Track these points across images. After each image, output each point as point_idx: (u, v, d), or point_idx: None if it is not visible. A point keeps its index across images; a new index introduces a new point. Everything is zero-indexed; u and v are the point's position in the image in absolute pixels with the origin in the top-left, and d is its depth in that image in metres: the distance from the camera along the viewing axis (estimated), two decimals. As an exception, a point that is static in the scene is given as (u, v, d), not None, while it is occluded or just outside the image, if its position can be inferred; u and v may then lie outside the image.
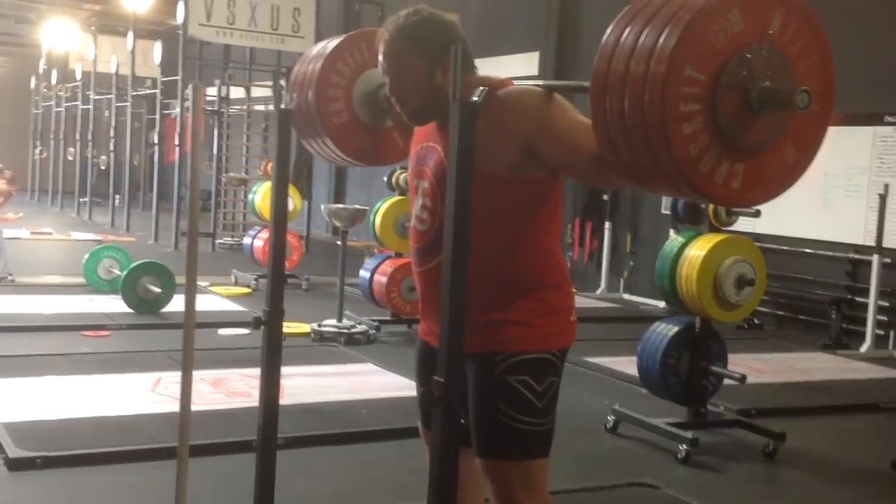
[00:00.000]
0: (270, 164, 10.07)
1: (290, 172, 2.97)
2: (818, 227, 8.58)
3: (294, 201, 9.88)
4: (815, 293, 8.58)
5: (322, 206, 7.94)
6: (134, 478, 3.98)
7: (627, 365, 5.82)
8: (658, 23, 1.81)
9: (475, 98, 2.05)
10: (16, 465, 3.96)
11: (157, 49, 15.18)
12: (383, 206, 7.45)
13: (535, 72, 12.01)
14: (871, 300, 7.78)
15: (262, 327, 2.76)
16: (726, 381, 5.07)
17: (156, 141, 15.49)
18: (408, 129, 2.65)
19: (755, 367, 6.67)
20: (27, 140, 22.92)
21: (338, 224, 7.49)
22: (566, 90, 2.36)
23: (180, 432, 2.66)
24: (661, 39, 1.78)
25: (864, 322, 7.91)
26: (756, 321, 8.78)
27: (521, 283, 2.33)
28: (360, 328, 7.17)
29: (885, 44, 8.26)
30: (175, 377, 3.52)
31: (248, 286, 9.50)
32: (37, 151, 21.90)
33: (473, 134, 2.01)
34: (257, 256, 9.59)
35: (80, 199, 18.71)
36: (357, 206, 7.76)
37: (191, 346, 2.62)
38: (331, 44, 2.81)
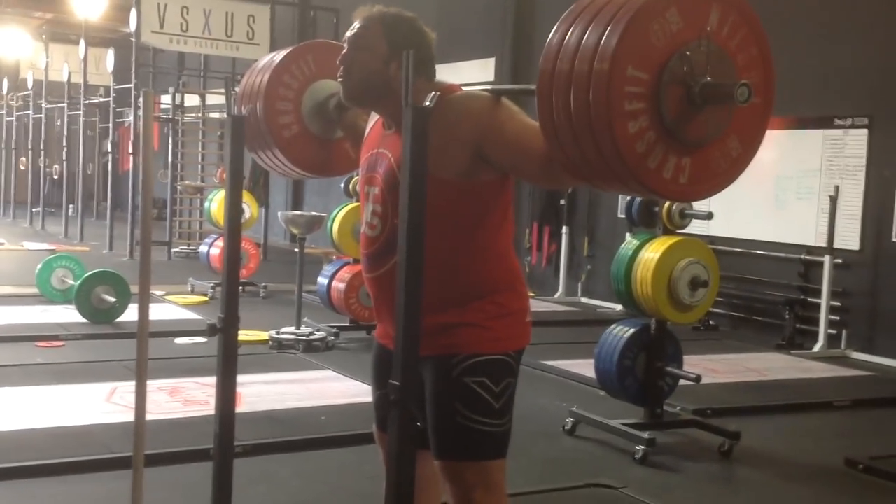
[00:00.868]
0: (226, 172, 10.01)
1: (243, 179, 2.96)
2: (771, 229, 8.70)
3: (251, 209, 9.82)
4: (768, 294, 8.70)
5: (279, 213, 7.91)
6: (90, 488, 3.94)
7: (585, 367, 5.86)
8: (599, 23, 1.84)
9: (427, 103, 2.05)
10: (-32, 477, 3.91)
11: (110, 57, 15.04)
12: (341, 213, 7.44)
13: (491, 78, 12.06)
14: (824, 300, 7.90)
15: (218, 334, 2.75)
16: (682, 382, 5.12)
17: (109, 150, 15.34)
18: (358, 139, 2.67)
19: (710, 367, 6.75)
20: (-22, 150, 22.59)
21: (295, 231, 7.47)
22: (514, 93, 2.39)
23: (135, 441, 2.65)
24: (604, 39, 1.81)
25: (816, 322, 8.03)
26: (711, 322, 8.88)
27: (475, 286, 2.35)
28: (318, 335, 7.15)
29: (834, 47, 8.40)
30: (130, 387, 3.49)
31: (205, 295, 9.43)
32: (-12, 161, 21.57)
33: (426, 138, 2.02)
34: (214, 265, 9.52)
35: (33, 209, 18.46)
36: (314, 213, 7.75)
37: (145, 355, 2.61)
38: (277, 56, 2.82)
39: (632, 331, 4.93)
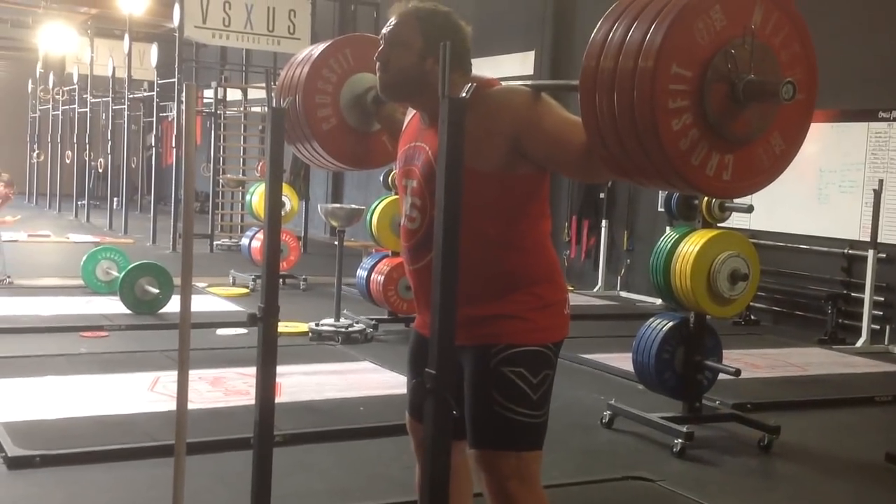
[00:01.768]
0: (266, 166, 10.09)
1: (283, 172, 3.00)
2: (814, 223, 8.61)
3: (291, 202, 9.91)
4: (810, 289, 8.62)
5: (319, 206, 7.97)
6: (132, 475, 4.01)
7: (623, 361, 5.85)
8: (644, 20, 1.84)
9: (463, 94, 2.07)
10: (15, 463, 3.99)
11: (154, 52, 15.20)
12: (380, 206, 7.47)
13: (530, 71, 12.04)
14: (867, 295, 7.80)
15: (258, 324, 2.79)
16: (722, 376, 5.10)
17: (153, 143, 15.50)
18: (395, 132, 2.70)
19: (751, 362, 6.70)
20: (25, 144, 22.93)
21: (335, 224, 7.52)
22: (555, 89, 2.39)
23: (177, 430, 2.69)
24: (648, 36, 1.81)
25: (859, 317, 7.95)
26: (752, 317, 8.81)
27: (513, 278, 2.36)
28: (357, 327, 7.20)
29: (879, 40, 8.30)
30: (173, 376, 3.55)
31: (246, 287, 9.52)
32: (34, 155, 21.90)
33: (462, 130, 2.04)
34: (255, 257, 9.61)
35: (78, 202, 18.73)
36: (354, 206, 7.79)
37: (187, 345, 2.65)
38: (316, 49, 2.85)
39: (670, 324, 4.92)
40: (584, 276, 11.01)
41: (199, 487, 3.69)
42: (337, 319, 7.23)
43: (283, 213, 2.84)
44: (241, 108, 15.06)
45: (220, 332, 7.17)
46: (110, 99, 17.37)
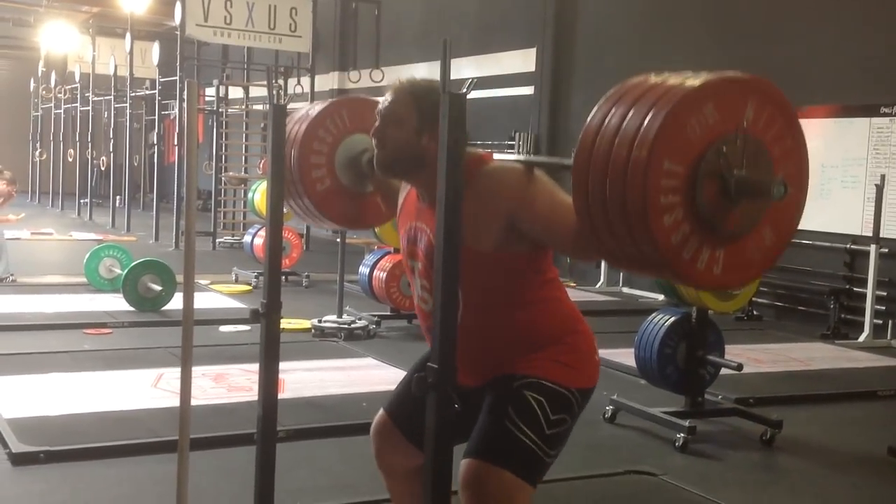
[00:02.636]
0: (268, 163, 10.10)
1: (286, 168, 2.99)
2: (816, 219, 8.58)
3: (293, 199, 9.90)
4: (813, 284, 8.62)
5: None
6: (136, 471, 4.03)
7: (626, 357, 5.85)
8: (642, 107, 1.83)
9: (464, 90, 2.08)
10: (20, 459, 4.01)
11: (155, 50, 15.21)
12: (382, 203, 7.48)
13: (532, 68, 12.05)
14: (869, 290, 7.81)
15: (261, 320, 2.80)
16: (724, 371, 5.11)
17: (155, 141, 15.55)
18: (390, 193, 2.73)
19: (753, 357, 6.71)
20: (27, 142, 22.96)
21: (337, 221, 7.52)
22: (548, 167, 2.37)
23: (181, 425, 2.70)
24: (645, 123, 1.80)
25: (862, 312, 7.95)
26: (755, 312, 8.82)
27: (534, 337, 2.38)
28: (360, 323, 7.21)
29: (881, 35, 8.29)
30: (176, 373, 3.58)
31: (249, 284, 9.54)
32: (37, 153, 21.93)
33: (464, 126, 2.05)
34: (257, 254, 9.62)
35: (81, 200, 18.75)
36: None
37: (190, 342, 2.66)
38: (313, 110, 2.86)
39: (672, 319, 4.92)
40: (586, 272, 11.02)
41: (203, 483, 3.70)
42: (339, 316, 7.25)
43: (285, 210, 2.84)
44: (243, 106, 15.08)
45: (223, 328, 7.19)
46: (112, 97, 17.38)
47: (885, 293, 7.98)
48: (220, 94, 14.43)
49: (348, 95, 3.01)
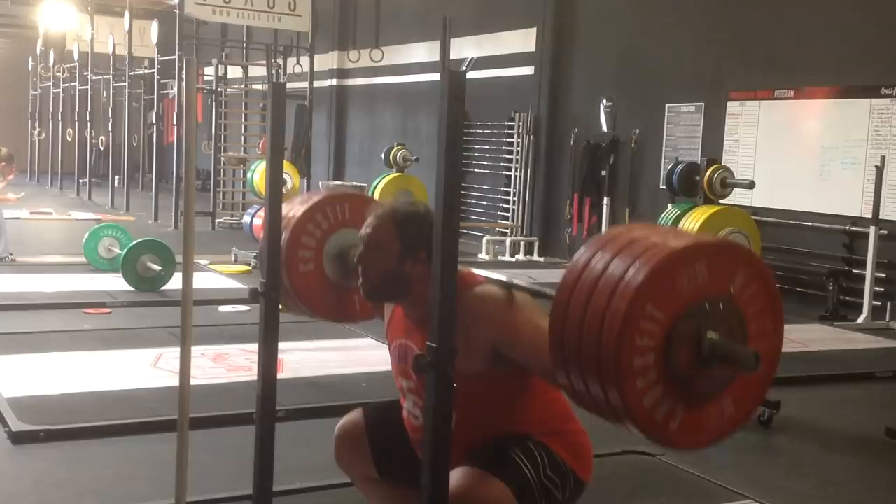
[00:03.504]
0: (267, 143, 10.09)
1: (284, 148, 2.99)
2: (815, 200, 8.61)
3: (292, 179, 9.89)
4: (812, 265, 8.62)
5: (320, 183, 7.98)
6: (136, 450, 4.04)
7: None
8: (627, 257, 1.83)
9: (463, 68, 2.07)
10: (19, 438, 4.03)
11: (154, 29, 15.15)
12: (381, 183, 7.49)
13: (532, 48, 12.00)
14: (868, 272, 7.81)
15: (260, 300, 2.80)
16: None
17: (154, 121, 15.51)
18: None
19: (752, 338, 6.71)
20: (26, 121, 22.90)
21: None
22: (533, 295, 2.37)
23: (180, 405, 2.71)
24: (629, 274, 1.80)
25: (861, 293, 7.96)
26: (754, 294, 8.81)
27: (536, 432, 2.43)
28: (359, 304, 7.20)
29: (881, 16, 8.26)
30: (175, 352, 3.58)
31: (248, 264, 9.53)
32: (35, 133, 21.88)
33: (462, 104, 2.04)
34: (256, 234, 9.58)
35: (80, 180, 18.73)
36: (355, 183, 7.80)
37: (189, 322, 2.66)
38: (315, 196, 2.90)
39: (671, 300, 4.92)
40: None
41: (202, 462, 3.71)
42: (339, 296, 7.24)
43: (284, 190, 2.85)
44: (242, 86, 15.04)
45: (223, 308, 7.19)
46: (111, 76, 17.33)
47: (884, 275, 7.99)
48: (220, 74, 14.39)
49: (352, 192, 3.02)
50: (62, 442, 4.05)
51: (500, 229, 12.27)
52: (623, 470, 4.15)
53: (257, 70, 14.92)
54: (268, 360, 2.81)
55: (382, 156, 7.93)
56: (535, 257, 11.49)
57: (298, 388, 4.93)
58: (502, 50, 12.48)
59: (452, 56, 10.38)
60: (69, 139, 19.60)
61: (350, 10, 15.20)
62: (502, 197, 12.58)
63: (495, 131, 12.61)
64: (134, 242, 7.89)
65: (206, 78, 15.27)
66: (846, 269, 8.38)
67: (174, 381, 3.09)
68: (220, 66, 14.39)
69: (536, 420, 2.44)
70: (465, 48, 12.15)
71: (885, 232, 7.87)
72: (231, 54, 15.97)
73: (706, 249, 1.87)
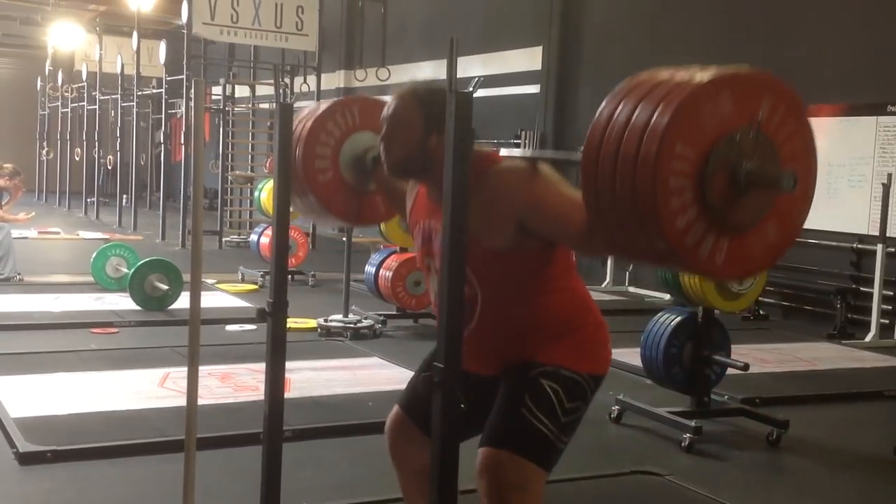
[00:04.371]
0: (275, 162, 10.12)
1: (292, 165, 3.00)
2: (822, 218, 8.57)
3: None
4: (819, 283, 8.60)
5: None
6: (143, 470, 4.04)
7: (632, 356, 5.84)
8: (651, 101, 1.84)
9: (470, 88, 2.08)
10: (27, 459, 4.02)
11: (162, 49, 15.23)
12: (388, 202, 7.48)
13: (538, 66, 12.04)
14: (876, 290, 7.79)
15: (267, 319, 2.80)
16: (731, 371, 5.09)
17: (162, 140, 15.56)
18: (391, 194, 2.78)
19: (760, 356, 6.70)
20: (34, 141, 22.98)
21: (343, 220, 7.52)
22: (557, 162, 2.40)
23: (187, 425, 2.71)
24: (654, 117, 1.81)
25: (868, 311, 7.93)
26: (761, 312, 8.80)
27: (552, 327, 2.42)
28: (366, 323, 7.21)
29: (887, 34, 8.27)
30: (182, 372, 3.58)
31: (255, 283, 9.55)
32: (44, 152, 21.96)
33: (470, 124, 2.05)
34: (264, 254, 9.63)
35: (88, 199, 18.78)
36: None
37: (196, 341, 2.66)
38: (323, 105, 2.89)
39: (678, 319, 4.92)
40: (592, 271, 11.01)
41: (210, 482, 3.71)
42: (346, 315, 7.25)
43: (291, 209, 2.85)
44: (250, 105, 15.09)
45: (230, 328, 7.19)
46: (119, 96, 17.40)
47: (891, 293, 7.96)
48: (227, 93, 14.45)
49: (359, 94, 3.02)
50: (69, 462, 4.05)
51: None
52: (631, 490, 4.14)
53: (265, 89, 14.98)
54: (275, 380, 2.81)
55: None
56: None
57: (305, 407, 4.92)
58: (508, 68, 12.51)
59: (459, 74, 10.40)
60: (77, 158, 19.67)
61: (357, 30, 15.24)
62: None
63: (502, 149, 12.62)
64: (141, 262, 7.91)
65: (213, 97, 15.34)
66: (854, 287, 8.36)
67: (181, 401, 3.10)
68: (227, 85, 14.45)
69: (556, 310, 2.42)
70: (471, 67, 12.19)
71: (893, 250, 7.85)
72: (239, 73, 16.03)
73: (728, 81, 1.86)
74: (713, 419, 5.01)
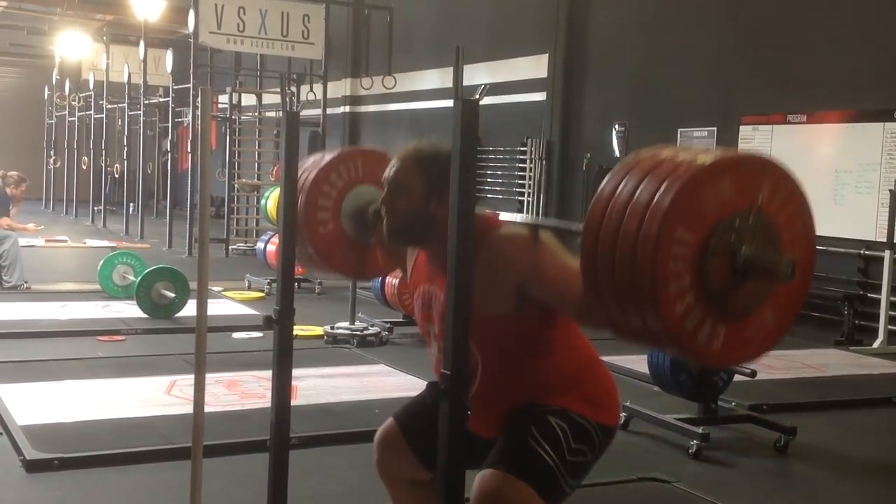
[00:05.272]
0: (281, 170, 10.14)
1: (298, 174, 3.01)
2: (830, 224, 8.56)
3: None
4: (826, 290, 8.58)
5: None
6: (150, 478, 4.04)
7: (639, 363, 5.84)
8: (653, 181, 1.83)
9: (476, 96, 2.08)
10: (34, 466, 4.03)
11: (169, 57, 15.28)
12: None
13: (544, 74, 12.05)
14: (884, 296, 7.77)
15: (274, 326, 2.80)
16: (738, 378, 5.08)
17: (168, 149, 15.63)
18: (392, 249, 2.75)
19: (767, 363, 6.66)
20: (41, 150, 23.05)
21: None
22: (557, 231, 2.39)
23: (194, 432, 2.71)
24: (657, 197, 1.80)
25: (876, 318, 7.91)
26: (768, 319, 8.77)
27: (557, 385, 2.41)
28: (372, 330, 7.22)
29: (894, 40, 8.26)
30: (189, 380, 3.59)
31: (262, 291, 9.56)
32: (51, 161, 22.03)
33: (475, 132, 2.05)
34: (270, 261, 9.64)
35: (95, 208, 18.83)
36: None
37: (203, 349, 2.67)
38: (327, 156, 2.89)
39: (685, 326, 4.90)
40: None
41: (216, 490, 3.71)
42: (352, 323, 7.25)
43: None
44: (256, 113, 15.13)
45: (236, 335, 7.20)
46: (126, 105, 17.46)
47: (899, 299, 7.95)
48: (233, 102, 14.49)
49: (363, 147, 3.01)
50: (76, 470, 4.05)
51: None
52: (637, 497, 4.13)
53: (271, 98, 15.01)
54: (281, 387, 2.81)
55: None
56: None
57: (312, 415, 4.92)
58: (514, 76, 12.53)
59: (465, 82, 10.42)
60: (84, 167, 19.71)
61: (362, 38, 15.27)
62: (515, 222, 12.57)
63: (508, 156, 12.64)
64: (148, 270, 7.92)
65: (220, 105, 15.39)
66: (861, 293, 8.34)
67: (188, 409, 3.10)
68: (234, 93, 14.50)
69: (559, 369, 2.41)
70: (476, 74, 12.20)
71: (900, 256, 7.84)
72: (245, 82, 16.07)
73: (729, 164, 1.85)
74: (721, 426, 5.00)
